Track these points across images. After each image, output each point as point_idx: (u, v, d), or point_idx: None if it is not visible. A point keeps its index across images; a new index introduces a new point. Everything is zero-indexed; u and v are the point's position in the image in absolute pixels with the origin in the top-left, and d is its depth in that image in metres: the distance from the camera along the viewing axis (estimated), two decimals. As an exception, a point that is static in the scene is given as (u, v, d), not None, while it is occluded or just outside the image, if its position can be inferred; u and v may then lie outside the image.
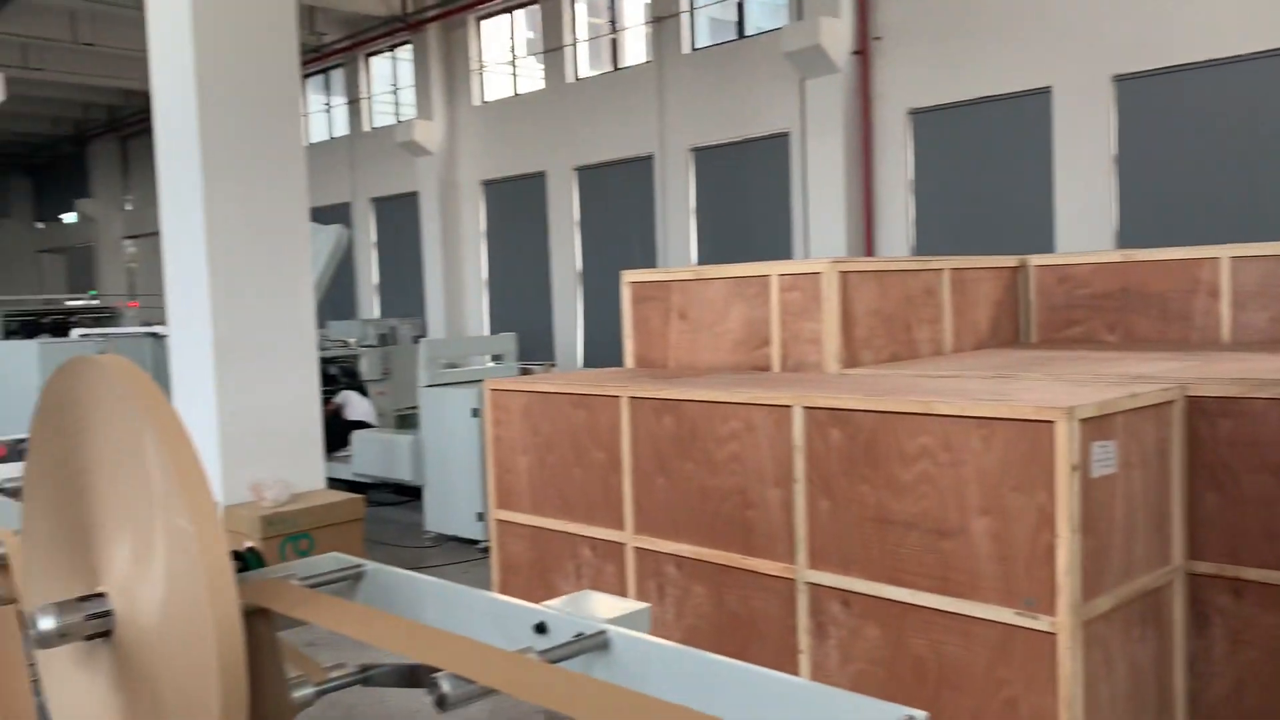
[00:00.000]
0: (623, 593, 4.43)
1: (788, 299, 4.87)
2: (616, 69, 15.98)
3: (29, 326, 14.14)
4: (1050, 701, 3.15)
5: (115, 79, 18.85)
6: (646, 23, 15.21)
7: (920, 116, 12.37)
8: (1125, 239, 10.79)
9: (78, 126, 25.54)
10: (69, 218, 28.74)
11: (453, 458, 7.90)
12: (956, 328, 5.60)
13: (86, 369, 1.25)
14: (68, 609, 1.22)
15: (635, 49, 15.89)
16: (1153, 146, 10.83)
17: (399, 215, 19.27)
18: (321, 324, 8.74)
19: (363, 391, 10.82)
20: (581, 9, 16.38)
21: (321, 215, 8.22)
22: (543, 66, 16.90)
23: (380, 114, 20.22)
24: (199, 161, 6.20)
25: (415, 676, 1.38)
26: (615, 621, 1.27)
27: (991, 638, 3.31)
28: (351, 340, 12.43)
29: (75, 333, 12.65)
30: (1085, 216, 11.08)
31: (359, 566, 1.62)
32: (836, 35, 12.11)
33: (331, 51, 19.40)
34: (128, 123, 24.32)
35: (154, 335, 11.04)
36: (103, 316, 15.28)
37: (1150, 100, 10.75)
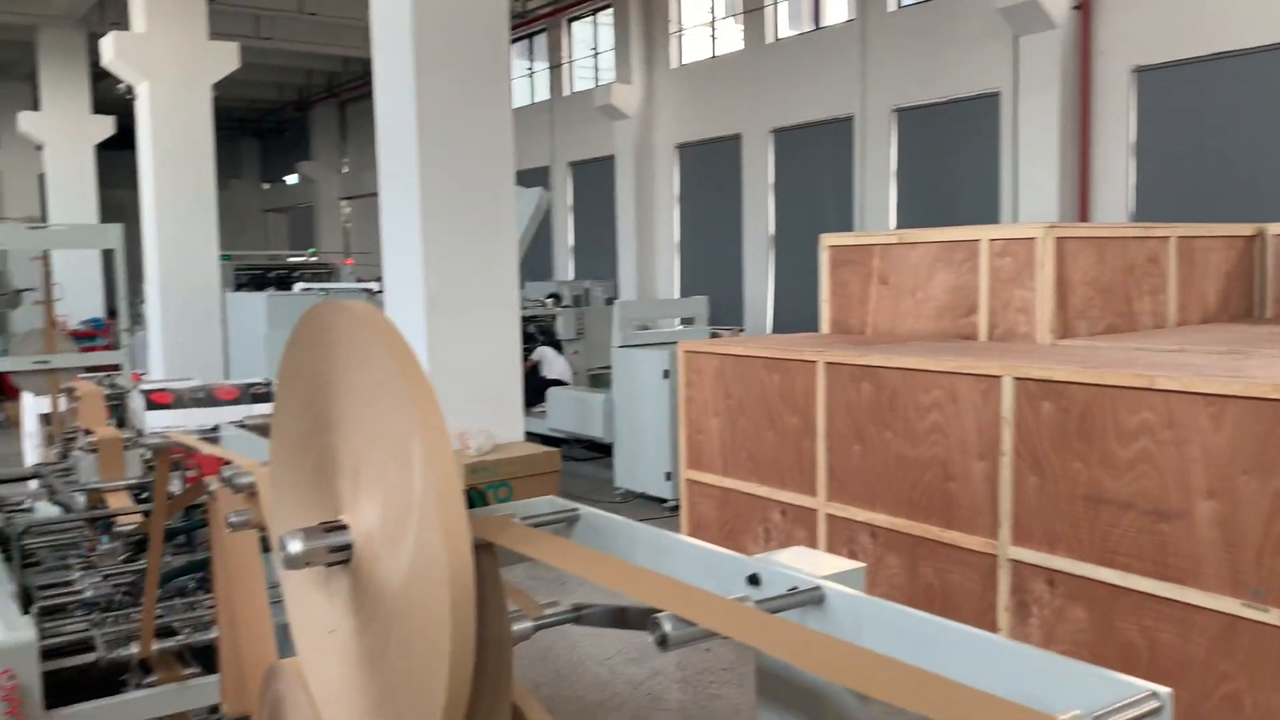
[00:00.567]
0: (814, 558, 4.39)
1: (998, 265, 4.67)
2: (817, 28, 15.64)
3: (256, 280, 15.21)
4: (1279, 700, 2.93)
5: (336, 47, 19.92)
6: (850, -20, 14.80)
7: (1146, 75, 11.54)
8: (1380, 207, 9.76)
9: (300, 93, 27.15)
10: (291, 179, 30.70)
11: (643, 417, 8.03)
12: (1182, 300, 5.24)
13: (336, 313, 1.32)
14: (313, 535, 1.30)
15: (836, 8, 15.50)
16: None
17: (595, 179, 19.60)
18: (520, 284, 9.02)
19: (559, 350, 11.12)
20: (782, -32, 16.10)
21: (523, 178, 8.47)
22: (742, 27, 16.73)
23: (580, 78, 20.57)
24: (415, 126, 6.48)
25: (625, 618, 1.40)
26: (830, 579, 1.26)
27: (1213, 628, 3.11)
28: (548, 300, 12.78)
29: (297, 287, 13.54)
30: (1333, 182, 10.09)
31: (574, 510, 1.68)
32: (1055, -12, 11.43)
33: (536, 17, 19.84)
34: (346, 88, 25.68)
35: (368, 291, 11.69)
36: (321, 272, 16.28)
37: None
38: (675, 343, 7.28)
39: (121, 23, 13.42)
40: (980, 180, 13.08)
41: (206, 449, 2.42)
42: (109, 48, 10.77)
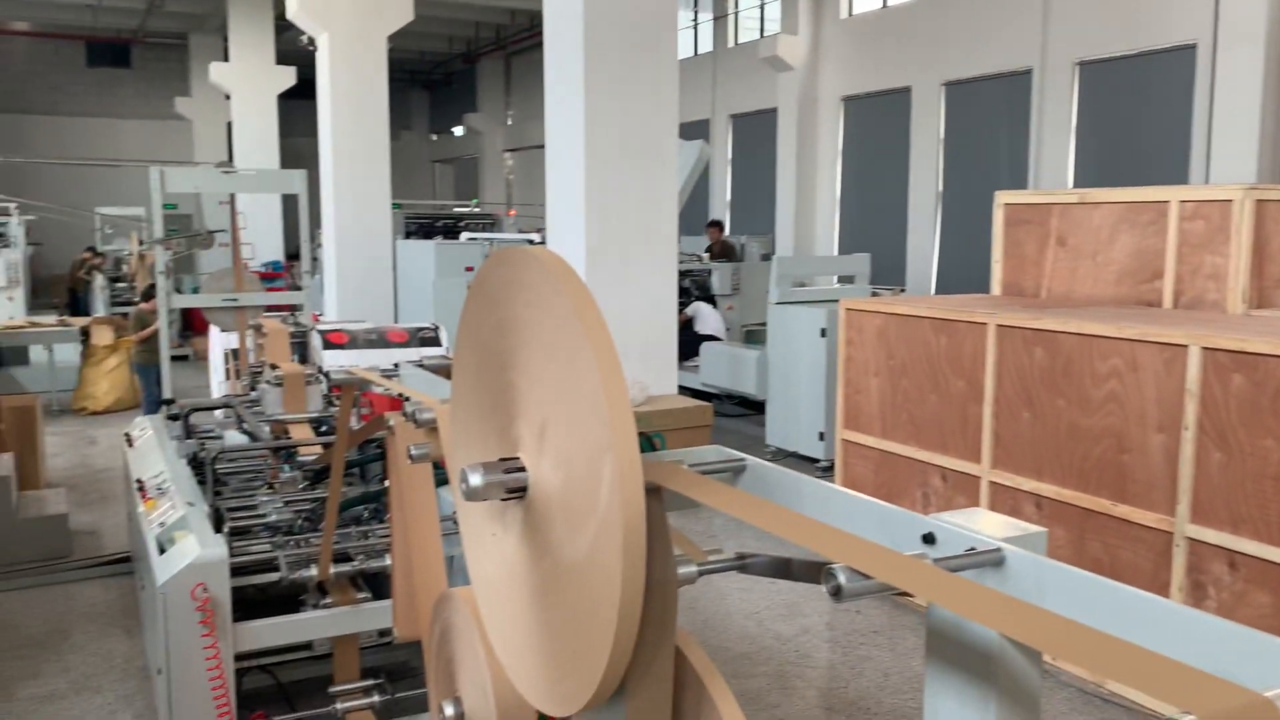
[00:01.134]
0: (974, 525, 4.28)
1: (1188, 228, 4.39)
2: (997, -23, 14.91)
3: (424, 229, 15.73)
4: None
5: (504, -1, 20.29)
6: (1034, -75, 14.02)
7: (1365, 24, 10.55)
8: None
9: (469, 45, 27.73)
10: (458, 131, 31.49)
11: (798, 375, 7.95)
12: (1398, 270, 4.80)
13: (520, 258, 1.35)
14: (492, 469, 1.34)
15: (1018, -45, 14.71)
16: None
17: (756, 132, 19.34)
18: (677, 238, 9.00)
19: (713, 304, 11.11)
20: (961, -87, 15.37)
21: (683, 131, 8.42)
22: (915, -24, 16.12)
23: (745, 30, 20.29)
24: (581, 78, 6.53)
25: (789, 569, 1.40)
26: (1011, 541, 1.22)
27: None
28: (704, 255, 12.76)
29: (463, 236, 13.93)
30: None
31: (741, 460, 1.68)
32: (1265, -70, 10.54)
33: (702, -32, 19.64)
34: (513, 41, 26.07)
35: (529, 241, 11.93)
36: (485, 222, 16.70)
37: None
38: (834, 300, 7.16)
39: (305, -23, 13.99)
40: (1169, 139, 12.28)
41: (388, 387, 2.52)
42: (293, 0, 11.24)
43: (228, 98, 19.13)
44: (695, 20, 21.53)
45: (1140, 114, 12.76)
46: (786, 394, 8.12)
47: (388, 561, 3.16)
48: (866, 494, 4.33)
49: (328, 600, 3.36)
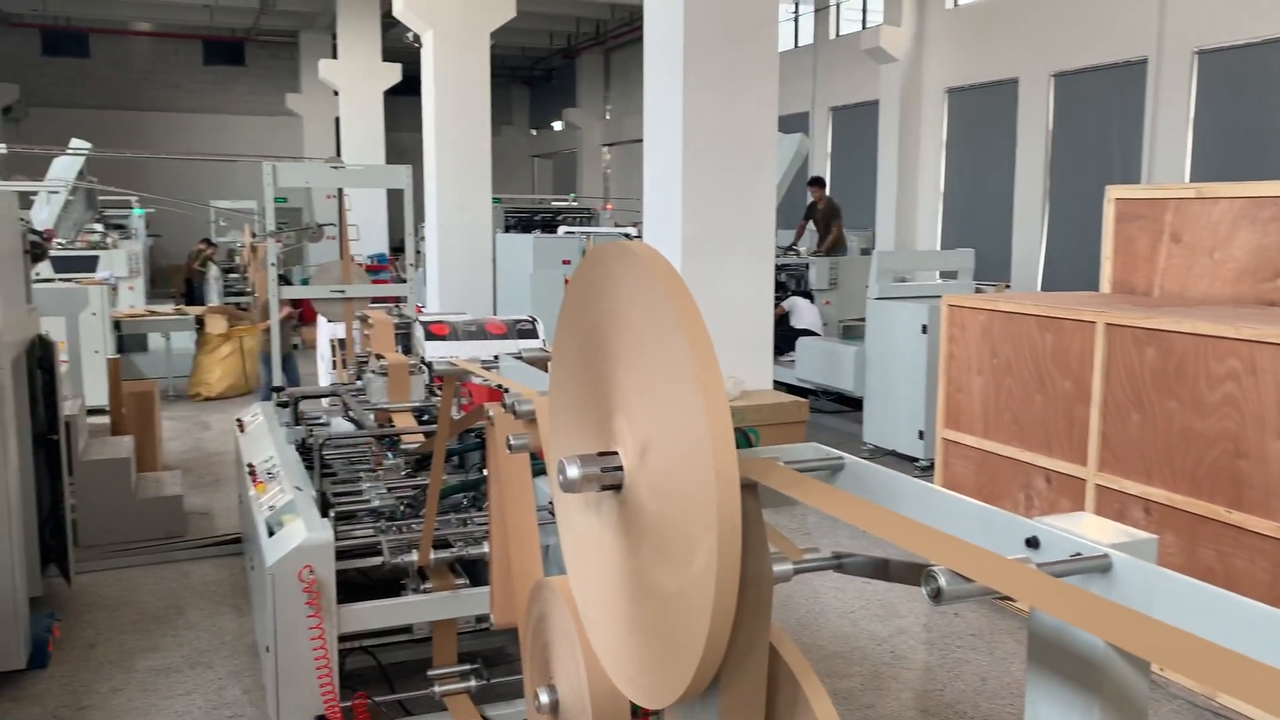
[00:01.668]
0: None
1: (1315, 224, 4.19)
2: (1110, -36, 14.41)
3: (523, 222, 15.95)
4: None
5: (604, -7, 20.43)
6: (1152, -92, 13.50)
7: None
8: None
9: (569, 40, 27.97)
10: (557, 126, 31.79)
11: (897, 372, 7.82)
12: None
13: (618, 253, 1.36)
14: (588, 462, 1.35)
15: (1135, -60, 14.19)
16: None
17: (856, 124, 19.08)
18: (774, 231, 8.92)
19: (810, 299, 11.00)
20: (1075, -103, 14.89)
21: (782, 124, 8.33)
22: (1024, -35, 15.68)
23: (846, 21, 20.02)
24: (681, 71, 6.53)
25: (887, 570, 1.39)
26: (1118, 548, 1.19)
27: None
28: (802, 249, 12.65)
29: (561, 230, 14.07)
30: None
31: (839, 459, 1.66)
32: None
33: (803, -41, 19.43)
34: (612, 36, 26.22)
35: (625, 235, 11.99)
36: (583, 216, 16.85)
37: None
38: (936, 296, 7.02)
39: (412, -25, 14.29)
40: (1295, 130, 11.72)
41: (489, 378, 2.57)
42: (399, -1, 11.50)
43: (336, 94, 19.67)
44: (796, 12, 21.32)
45: (1263, 104, 12.20)
46: (885, 391, 8.00)
47: (486, 549, 3.23)
48: (967, 495, 4.25)
49: (427, 585, 3.44)
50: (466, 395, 3.79)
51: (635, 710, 1.64)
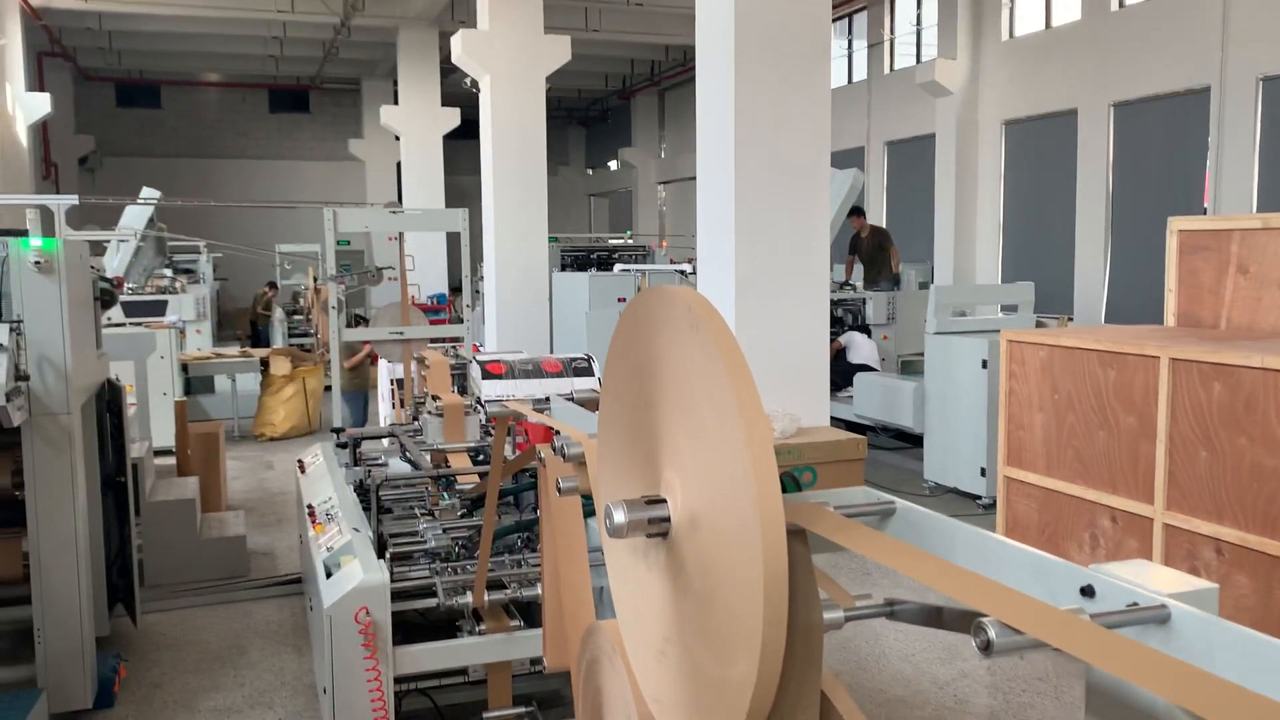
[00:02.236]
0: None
1: (1389, 253, 4.06)
2: (1170, -9, 14.22)
3: (579, 261, 16.07)
4: None
5: (658, 35, 20.59)
6: (1212, -65, 13.32)
7: None
8: None
9: (624, 81, 28.29)
10: (612, 165, 32.09)
11: (958, 408, 7.71)
12: None
13: (663, 297, 1.36)
14: (635, 507, 1.35)
15: (1194, -33, 13.99)
16: None
17: (912, 158, 18.97)
18: (829, 266, 8.90)
19: (867, 334, 10.91)
20: (1131, -73, 14.76)
21: (836, 159, 8.33)
22: (1081, -5, 15.55)
23: (900, 56, 19.99)
24: (733, 108, 6.56)
25: (940, 618, 1.36)
26: (1178, 597, 1.15)
27: None
28: (858, 284, 12.57)
29: (616, 268, 14.15)
30: None
31: (890, 503, 1.64)
32: None
33: (857, -5, 19.47)
34: (666, 76, 26.46)
35: (681, 272, 12.02)
36: (638, 254, 16.93)
37: None
38: (996, 331, 6.92)
39: (468, 21, 14.59)
40: (1367, 156, 11.40)
41: (539, 419, 2.58)
42: (457, 44, 11.72)
43: (397, 139, 20.08)
44: (850, 48, 21.34)
45: (1334, 130, 11.91)
46: (945, 427, 7.88)
47: (539, 590, 3.23)
48: (1031, 534, 4.16)
49: (482, 627, 3.45)
50: (523, 434, 3.81)
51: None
